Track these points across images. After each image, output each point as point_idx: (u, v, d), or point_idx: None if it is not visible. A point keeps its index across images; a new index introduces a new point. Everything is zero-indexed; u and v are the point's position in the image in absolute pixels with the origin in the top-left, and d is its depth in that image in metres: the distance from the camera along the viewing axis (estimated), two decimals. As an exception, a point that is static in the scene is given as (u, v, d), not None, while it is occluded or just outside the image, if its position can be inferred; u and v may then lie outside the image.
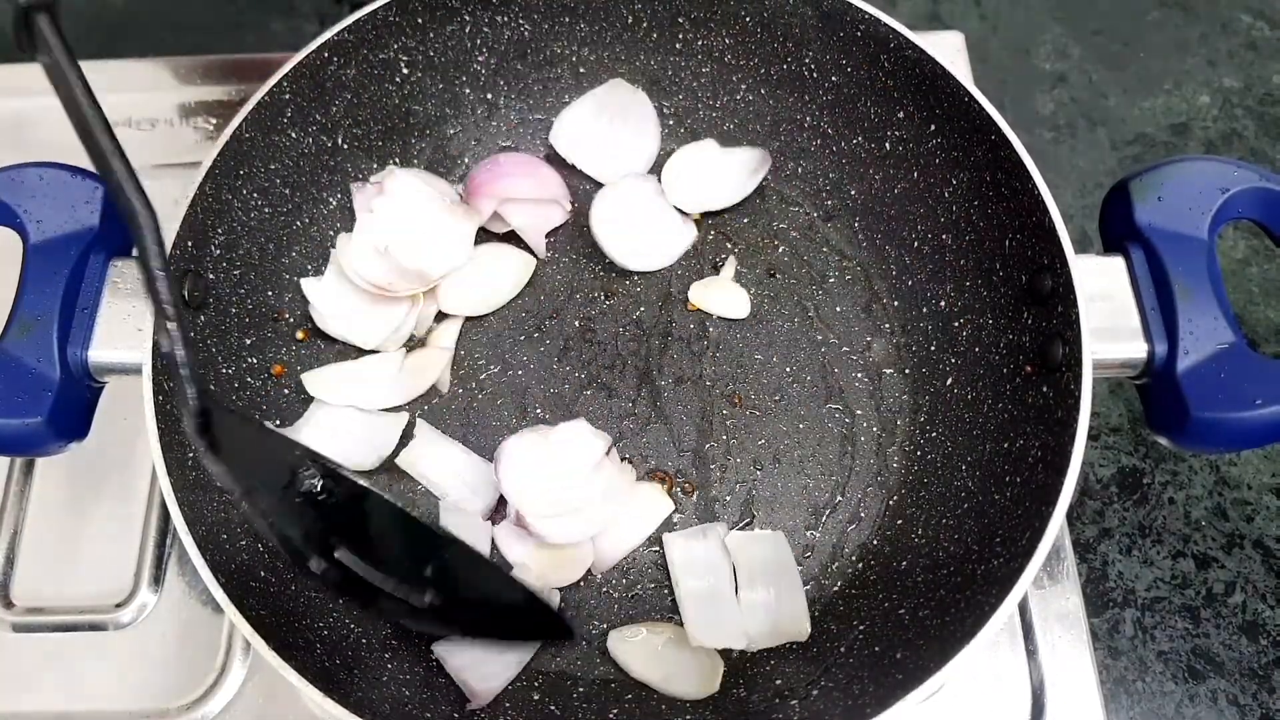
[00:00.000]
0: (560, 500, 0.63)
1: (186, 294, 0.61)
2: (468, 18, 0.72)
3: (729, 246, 0.76)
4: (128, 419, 0.72)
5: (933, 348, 0.70)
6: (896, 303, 0.73)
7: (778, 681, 0.61)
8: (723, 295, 0.74)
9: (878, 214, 0.74)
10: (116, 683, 0.67)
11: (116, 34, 0.99)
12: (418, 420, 0.69)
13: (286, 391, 0.69)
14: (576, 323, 0.73)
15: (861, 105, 0.72)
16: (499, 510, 0.66)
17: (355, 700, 0.51)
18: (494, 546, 0.66)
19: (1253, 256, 0.83)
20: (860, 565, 0.66)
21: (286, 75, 0.65)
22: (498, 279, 0.73)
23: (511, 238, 0.75)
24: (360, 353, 0.71)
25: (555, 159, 0.78)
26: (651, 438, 0.70)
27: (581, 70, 0.77)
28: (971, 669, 0.66)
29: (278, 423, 0.68)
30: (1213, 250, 0.58)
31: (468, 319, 0.73)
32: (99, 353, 0.58)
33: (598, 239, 0.73)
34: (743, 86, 0.76)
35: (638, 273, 0.75)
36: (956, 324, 0.69)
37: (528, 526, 0.62)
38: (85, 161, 0.61)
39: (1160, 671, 0.69)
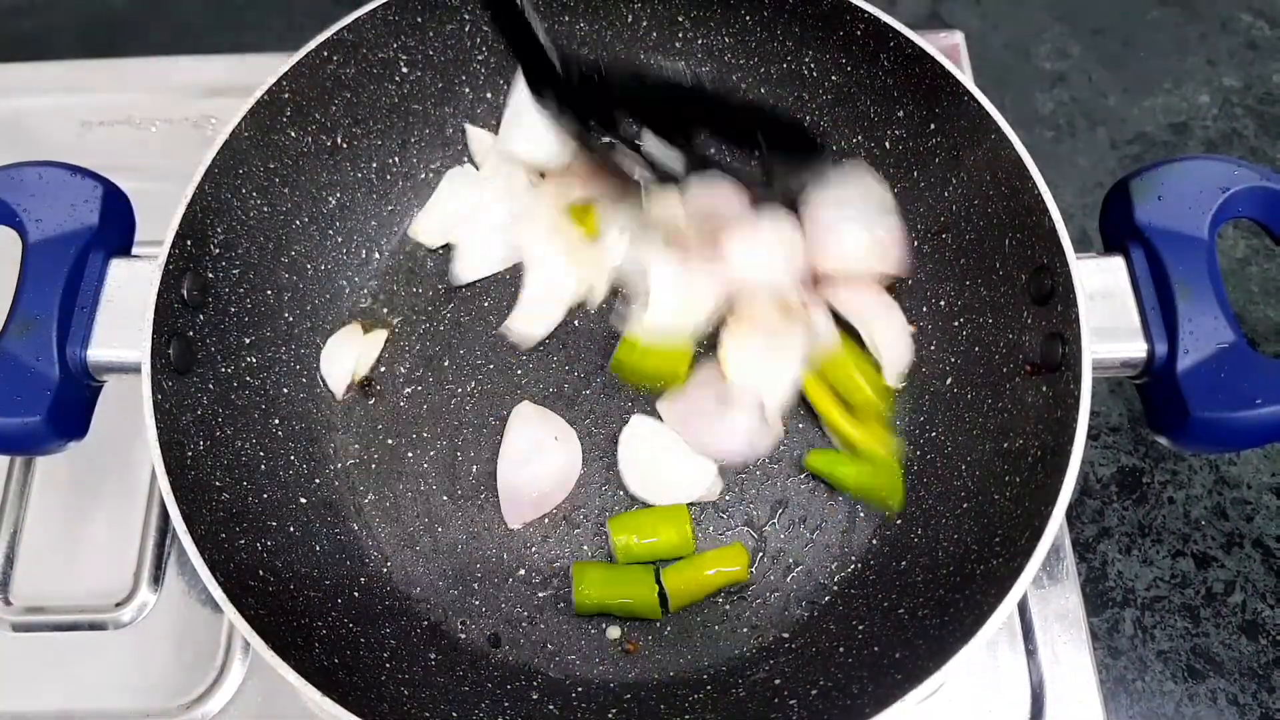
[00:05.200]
0: None
1: (185, 293, 0.61)
2: (467, 17, 0.72)
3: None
4: (127, 418, 0.72)
5: (932, 347, 0.70)
6: (896, 301, 0.73)
7: (776, 681, 0.61)
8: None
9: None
10: (116, 682, 0.67)
11: (116, 34, 0.99)
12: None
13: (286, 390, 0.69)
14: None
15: (861, 104, 0.72)
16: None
17: (354, 699, 0.51)
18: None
19: (1253, 256, 0.83)
20: (859, 565, 0.66)
21: (286, 74, 0.65)
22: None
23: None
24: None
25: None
26: (651, 437, 0.70)
27: (581, 69, 0.77)
28: (971, 668, 0.66)
29: (277, 421, 0.68)
30: (1213, 249, 0.58)
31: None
32: (98, 351, 0.58)
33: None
34: (743, 85, 0.76)
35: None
36: (956, 323, 0.69)
37: None
38: (84, 160, 0.62)
39: (1160, 671, 0.69)
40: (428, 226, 0.76)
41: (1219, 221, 0.59)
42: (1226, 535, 0.73)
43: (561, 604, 0.65)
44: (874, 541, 0.67)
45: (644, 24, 0.75)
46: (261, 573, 0.59)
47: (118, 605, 0.69)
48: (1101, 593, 0.72)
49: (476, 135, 0.77)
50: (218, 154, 0.62)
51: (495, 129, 0.78)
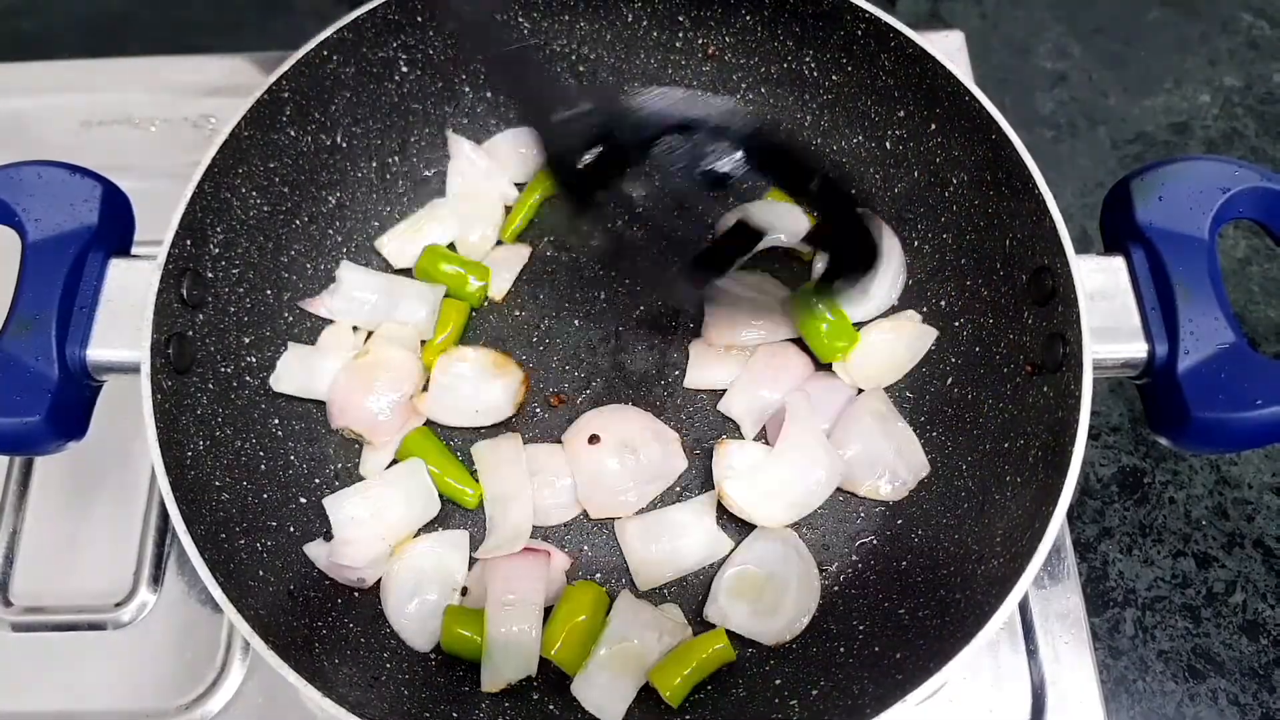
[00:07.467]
0: None
1: (185, 293, 0.60)
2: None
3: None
4: (127, 418, 0.72)
5: (933, 347, 0.70)
6: (897, 302, 0.73)
7: (777, 681, 0.61)
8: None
9: (878, 213, 0.73)
10: (116, 682, 0.67)
11: (116, 34, 0.99)
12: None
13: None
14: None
15: (862, 104, 0.72)
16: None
17: (354, 699, 0.51)
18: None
19: (1253, 256, 0.83)
20: (860, 565, 0.66)
21: (286, 73, 0.65)
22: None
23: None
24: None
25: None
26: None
27: (581, 69, 0.77)
28: (972, 669, 0.66)
29: (277, 421, 0.68)
30: (1213, 250, 0.58)
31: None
32: (98, 351, 0.58)
33: None
34: (743, 85, 0.76)
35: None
36: (957, 323, 0.69)
37: None
38: (84, 160, 0.61)
39: (1161, 671, 0.69)
40: (393, 245, 0.75)
41: (1220, 222, 0.59)
42: (1227, 535, 0.73)
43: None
44: (874, 541, 0.67)
45: (644, 23, 0.75)
46: (261, 573, 0.59)
47: (117, 605, 0.69)
48: (1102, 593, 0.72)
49: (456, 141, 0.76)
50: (217, 153, 0.62)
51: (492, 130, 0.78)
